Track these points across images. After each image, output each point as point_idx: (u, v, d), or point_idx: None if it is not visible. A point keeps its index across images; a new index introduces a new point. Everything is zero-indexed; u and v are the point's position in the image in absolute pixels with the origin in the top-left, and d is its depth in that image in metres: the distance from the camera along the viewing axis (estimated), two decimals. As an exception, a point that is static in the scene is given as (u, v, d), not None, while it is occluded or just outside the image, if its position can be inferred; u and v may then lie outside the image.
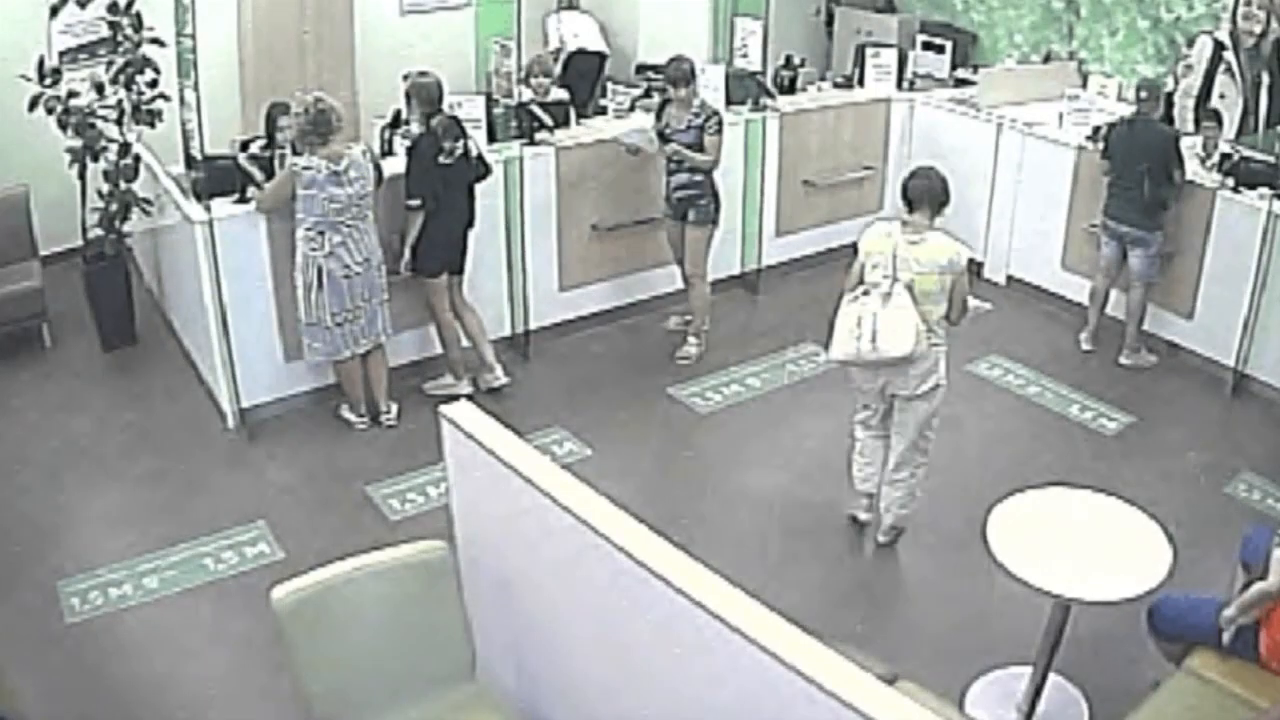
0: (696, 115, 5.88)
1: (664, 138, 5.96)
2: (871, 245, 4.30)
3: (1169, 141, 5.76)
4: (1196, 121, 6.32)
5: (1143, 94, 5.80)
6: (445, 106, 5.42)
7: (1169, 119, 6.27)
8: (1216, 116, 6.08)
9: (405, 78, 5.45)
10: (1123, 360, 6.18)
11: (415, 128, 5.40)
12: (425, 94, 5.30)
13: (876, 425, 4.60)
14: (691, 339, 6.27)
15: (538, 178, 6.07)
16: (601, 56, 8.04)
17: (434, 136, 5.26)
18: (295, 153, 5.13)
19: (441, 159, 5.26)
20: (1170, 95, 6.38)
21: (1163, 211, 5.82)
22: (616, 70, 8.11)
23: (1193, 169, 5.91)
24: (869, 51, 7.52)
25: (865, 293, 4.26)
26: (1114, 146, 5.90)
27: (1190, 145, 6.03)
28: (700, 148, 5.87)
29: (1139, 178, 5.75)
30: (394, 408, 5.55)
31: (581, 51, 7.85)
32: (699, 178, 5.93)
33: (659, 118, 6.03)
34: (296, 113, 5.00)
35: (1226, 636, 3.32)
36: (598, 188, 6.30)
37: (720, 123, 5.88)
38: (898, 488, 4.60)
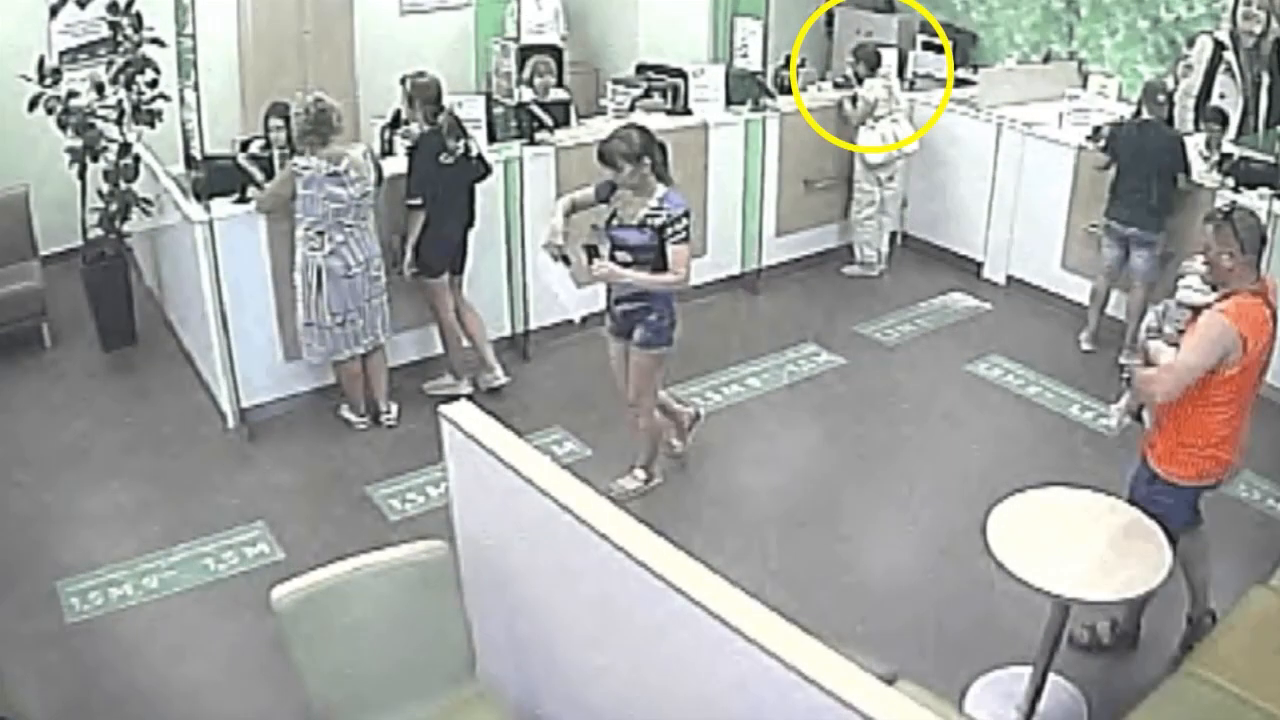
0: (656, 212, 4.38)
1: (605, 230, 4.53)
2: (878, 95, 6.90)
3: (1178, 145, 5.76)
4: (1196, 121, 6.32)
5: (1159, 98, 5.80)
6: (445, 105, 5.42)
7: (1169, 120, 6.28)
8: (1222, 116, 6.08)
9: (403, 81, 5.44)
10: (1122, 360, 6.18)
11: (417, 127, 5.40)
12: (427, 94, 5.30)
13: (877, 201, 7.21)
14: (639, 471, 5.03)
15: (538, 178, 6.07)
16: (556, 50, 7.94)
17: (438, 135, 5.26)
18: (295, 153, 5.13)
19: (443, 159, 5.27)
20: (1170, 95, 6.39)
21: (1168, 215, 5.82)
22: (615, 69, 8.11)
23: (1194, 168, 5.91)
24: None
25: (878, 120, 6.91)
26: (1122, 148, 5.89)
27: (1192, 144, 6.03)
28: (658, 259, 4.40)
29: (1146, 180, 5.74)
30: (394, 408, 5.55)
31: (532, 47, 7.65)
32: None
33: (608, 199, 4.54)
34: (297, 112, 5.00)
35: (1123, 403, 4.06)
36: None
37: (688, 228, 4.38)
38: (889, 223, 7.39)
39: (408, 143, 5.39)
